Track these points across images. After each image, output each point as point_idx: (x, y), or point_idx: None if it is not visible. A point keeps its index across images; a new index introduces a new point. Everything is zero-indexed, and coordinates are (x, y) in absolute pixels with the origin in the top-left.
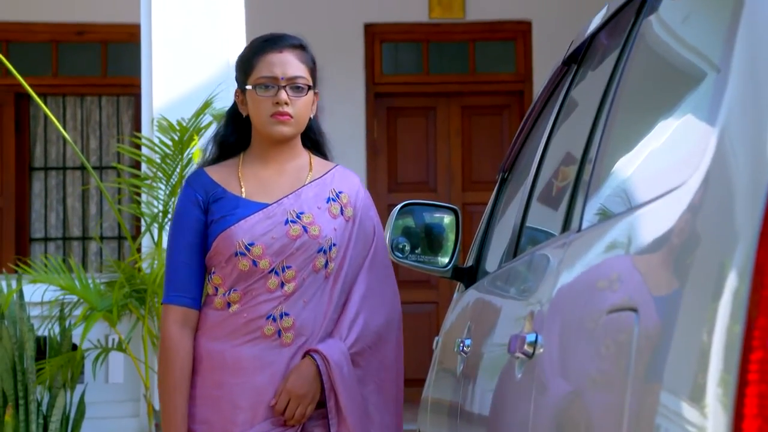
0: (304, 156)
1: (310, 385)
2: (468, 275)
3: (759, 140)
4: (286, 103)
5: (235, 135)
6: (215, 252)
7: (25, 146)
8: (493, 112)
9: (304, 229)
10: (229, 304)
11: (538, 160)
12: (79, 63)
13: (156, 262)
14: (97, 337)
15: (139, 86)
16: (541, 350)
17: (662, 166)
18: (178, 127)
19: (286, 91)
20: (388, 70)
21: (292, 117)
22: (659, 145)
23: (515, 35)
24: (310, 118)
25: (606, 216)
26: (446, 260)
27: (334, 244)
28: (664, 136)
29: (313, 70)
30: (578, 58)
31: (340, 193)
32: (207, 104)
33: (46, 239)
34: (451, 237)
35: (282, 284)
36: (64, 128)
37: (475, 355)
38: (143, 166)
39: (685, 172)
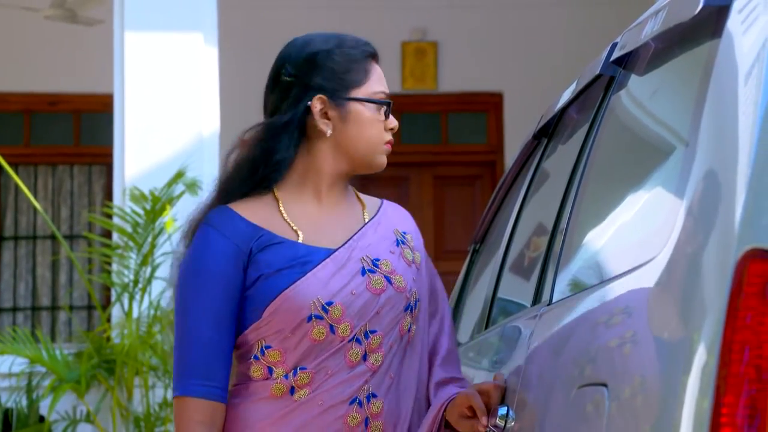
0: (351, 191)
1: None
2: None
3: (726, 215)
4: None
5: (292, 156)
6: (276, 320)
7: None
8: (465, 182)
9: (388, 280)
10: (292, 390)
11: (509, 232)
12: (51, 132)
13: (126, 331)
14: (65, 408)
15: (111, 156)
16: (513, 423)
17: (632, 240)
18: (150, 197)
19: None
20: None
21: None
22: (629, 219)
23: (487, 107)
24: None
25: (577, 288)
26: None
27: (419, 300)
28: (633, 210)
29: None
30: (548, 132)
31: (405, 233)
32: (179, 174)
33: (14, 309)
34: None
35: (365, 355)
36: (36, 197)
37: None
38: (114, 236)
39: (654, 246)
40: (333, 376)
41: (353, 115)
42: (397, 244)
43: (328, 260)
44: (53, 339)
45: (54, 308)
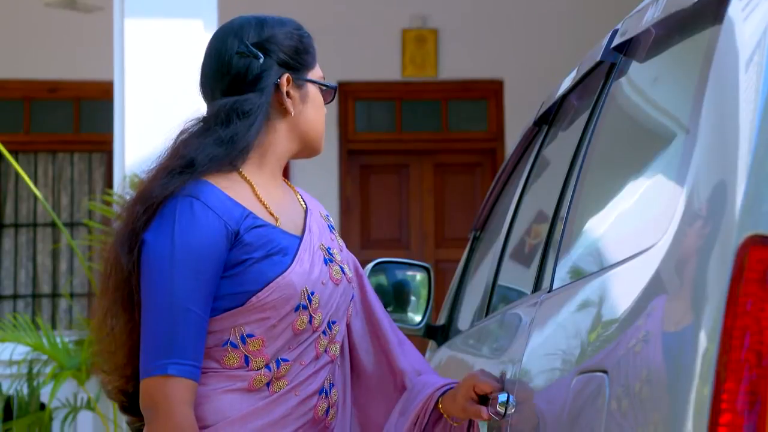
0: None
1: None
2: (440, 333)
3: (727, 201)
4: None
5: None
6: (265, 307)
7: None
8: (465, 170)
9: (342, 270)
10: (269, 383)
11: (509, 219)
12: (51, 120)
13: None
14: (65, 395)
15: (111, 143)
16: (513, 410)
17: (632, 227)
18: None
19: None
20: (361, 128)
21: None
22: (629, 206)
23: (487, 94)
24: None
25: (577, 276)
26: (419, 318)
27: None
28: (634, 197)
29: None
30: (549, 119)
31: (328, 216)
32: None
33: (15, 297)
34: (424, 294)
35: (327, 346)
36: (36, 185)
37: None
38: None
39: (654, 233)
40: (306, 367)
41: (311, 96)
42: (330, 230)
43: (304, 248)
44: (54, 326)
45: (55, 296)
